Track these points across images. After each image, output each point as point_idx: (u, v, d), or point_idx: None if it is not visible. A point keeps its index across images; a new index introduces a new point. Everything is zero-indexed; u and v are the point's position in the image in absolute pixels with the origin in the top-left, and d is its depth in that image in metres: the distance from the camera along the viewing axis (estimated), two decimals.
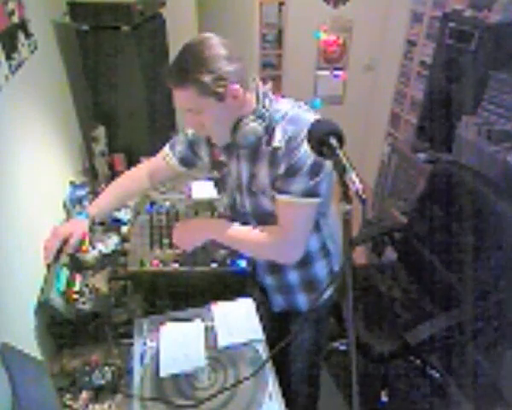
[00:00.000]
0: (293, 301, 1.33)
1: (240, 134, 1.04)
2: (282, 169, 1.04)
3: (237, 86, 0.98)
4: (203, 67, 0.95)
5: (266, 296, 1.38)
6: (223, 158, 1.18)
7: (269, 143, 1.06)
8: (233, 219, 1.21)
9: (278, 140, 1.04)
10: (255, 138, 1.05)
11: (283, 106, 1.08)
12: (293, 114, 1.05)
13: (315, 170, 1.02)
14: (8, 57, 1.20)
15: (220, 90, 0.97)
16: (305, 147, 0.98)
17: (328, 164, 1.02)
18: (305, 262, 1.24)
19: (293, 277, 1.28)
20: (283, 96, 1.13)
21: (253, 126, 1.03)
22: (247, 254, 1.24)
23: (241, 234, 1.16)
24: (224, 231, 1.17)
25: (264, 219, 1.17)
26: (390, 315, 1.80)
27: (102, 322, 1.23)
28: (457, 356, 1.93)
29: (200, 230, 1.23)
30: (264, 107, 1.06)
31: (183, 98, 1.01)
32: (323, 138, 0.78)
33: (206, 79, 0.95)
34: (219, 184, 1.25)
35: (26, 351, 0.95)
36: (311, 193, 1.04)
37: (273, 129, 1.05)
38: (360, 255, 2.82)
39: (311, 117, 1.03)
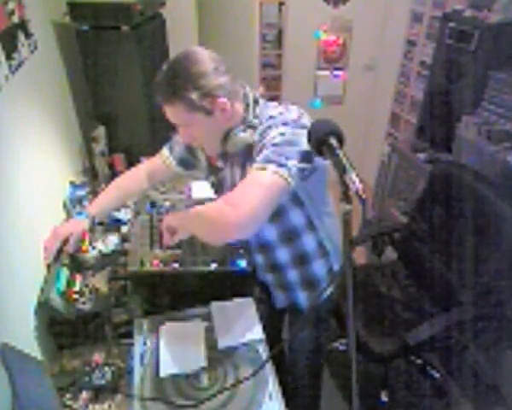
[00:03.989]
0: (294, 299, 1.33)
1: (230, 144, 1.06)
2: (255, 155, 1.02)
3: (225, 100, 0.99)
4: (190, 83, 0.95)
5: (268, 294, 1.38)
6: (219, 163, 1.19)
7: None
8: None
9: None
10: (246, 147, 1.06)
11: (273, 111, 1.06)
12: (277, 116, 1.04)
13: (283, 144, 0.95)
14: (8, 57, 1.20)
15: (208, 105, 0.98)
16: (278, 129, 0.98)
17: (303, 143, 0.95)
18: (304, 261, 1.25)
19: (293, 275, 1.29)
20: (278, 101, 1.13)
21: (243, 136, 1.04)
22: (201, 233, 1.07)
23: (196, 208, 1.06)
24: (184, 213, 1.10)
25: None
26: (390, 315, 1.80)
27: (102, 322, 1.23)
28: (457, 356, 1.93)
29: (170, 222, 1.15)
30: (254, 115, 1.06)
31: (171, 114, 1.02)
32: (323, 138, 0.78)
33: (194, 95, 0.96)
34: (216, 188, 1.25)
35: (26, 351, 0.95)
36: (271, 160, 0.94)
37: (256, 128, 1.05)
38: (360, 255, 2.82)
39: (291, 115, 1.02)
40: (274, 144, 0.96)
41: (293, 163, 0.95)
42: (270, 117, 1.04)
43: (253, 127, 1.05)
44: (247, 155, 1.08)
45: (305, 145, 0.93)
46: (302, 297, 1.32)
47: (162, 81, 0.99)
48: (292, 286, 1.31)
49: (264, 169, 0.94)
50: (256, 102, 1.09)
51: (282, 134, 0.97)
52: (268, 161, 0.94)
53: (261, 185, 0.93)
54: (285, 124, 1.00)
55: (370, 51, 3.28)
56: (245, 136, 1.04)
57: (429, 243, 1.88)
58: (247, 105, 1.07)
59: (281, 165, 0.93)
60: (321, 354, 1.54)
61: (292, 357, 1.44)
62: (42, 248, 1.25)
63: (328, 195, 1.20)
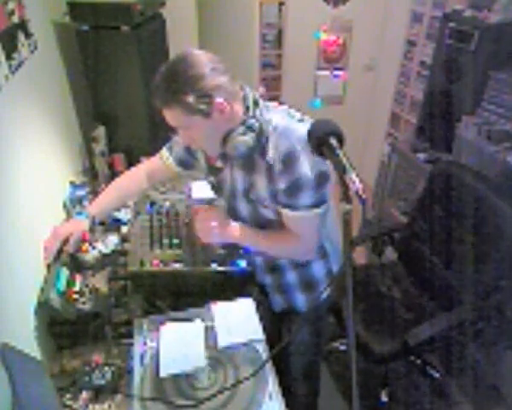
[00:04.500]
0: (292, 301, 1.33)
1: (229, 146, 1.05)
2: (282, 185, 1.03)
3: (223, 101, 0.98)
4: (188, 86, 0.95)
5: (266, 296, 1.38)
6: (219, 163, 1.18)
7: (263, 155, 1.05)
8: None
9: (271, 154, 1.03)
10: (246, 149, 1.05)
11: (274, 115, 1.07)
12: (284, 126, 1.04)
13: (320, 182, 1.02)
14: (8, 57, 1.20)
15: (205, 107, 0.97)
16: (305, 161, 0.99)
17: (327, 167, 1.02)
18: (303, 263, 1.25)
19: (292, 277, 1.28)
20: (279, 102, 1.13)
21: (243, 139, 1.03)
22: (270, 254, 1.25)
23: (269, 242, 1.18)
24: (251, 239, 1.18)
25: (262, 224, 1.18)
26: (390, 315, 1.80)
27: (102, 322, 1.23)
28: (457, 356, 1.93)
29: (229, 233, 1.16)
30: (254, 117, 1.05)
31: (170, 117, 1.02)
32: (323, 138, 0.78)
33: (191, 98, 0.95)
34: (216, 189, 1.25)
35: (26, 351, 0.95)
36: (318, 203, 1.06)
37: (266, 140, 1.05)
38: (360, 255, 2.82)
39: (302, 129, 1.01)
40: (312, 187, 1.02)
41: (327, 194, 1.08)
42: (276, 125, 1.04)
43: (253, 128, 1.05)
44: (247, 157, 1.08)
45: (326, 165, 1.01)
46: (300, 299, 1.32)
47: (160, 85, 0.98)
48: (290, 288, 1.31)
49: (315, 214, 1.07)
50: (256, 103, 1.08)
51: (312, 169, 0.99)
52: (313, 205, 1.06)
53: (315, 226, 1.12)
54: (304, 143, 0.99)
55: (370, 51, 3.28)
56: (245, 139, 1.03)
57: (429, 243, 1.88)
58: (247, 107, 1.06)
59: (324, 202, 1.08)
60: (319, 353, 1.54)
61: (290, 357, 1.44)
62: (42, 248, 1.25)
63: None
